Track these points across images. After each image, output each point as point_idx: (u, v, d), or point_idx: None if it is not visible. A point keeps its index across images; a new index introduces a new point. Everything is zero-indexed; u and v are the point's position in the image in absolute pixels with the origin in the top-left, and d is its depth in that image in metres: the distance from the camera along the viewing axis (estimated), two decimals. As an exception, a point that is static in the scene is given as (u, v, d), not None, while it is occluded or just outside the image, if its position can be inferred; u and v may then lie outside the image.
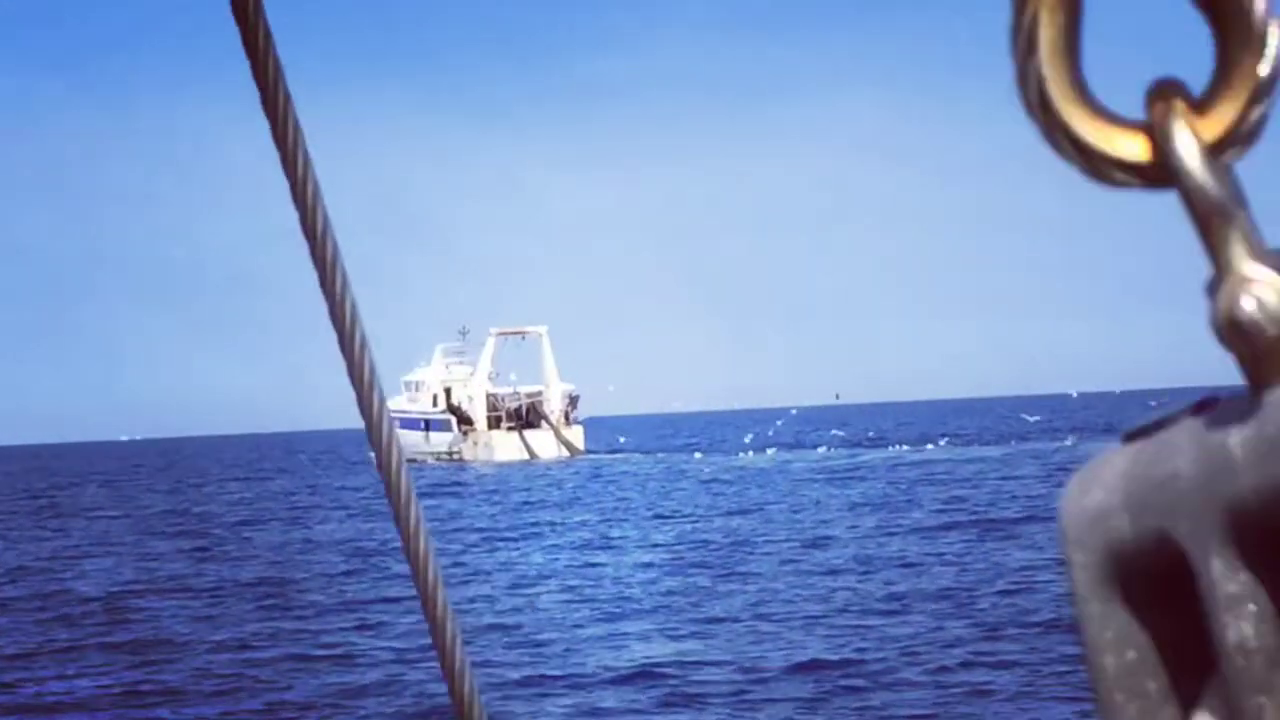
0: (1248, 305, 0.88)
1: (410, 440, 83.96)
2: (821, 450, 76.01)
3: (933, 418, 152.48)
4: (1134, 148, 0.92)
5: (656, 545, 33.10)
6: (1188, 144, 0.90)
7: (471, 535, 37.16)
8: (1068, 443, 70.17)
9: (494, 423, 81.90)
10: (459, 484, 61.33)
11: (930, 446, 75.81)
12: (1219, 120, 0.90)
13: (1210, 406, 0.91)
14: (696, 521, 38.54)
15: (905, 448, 75.08)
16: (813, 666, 18.10)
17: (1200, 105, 0.91)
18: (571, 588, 26.25)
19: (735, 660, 18.70)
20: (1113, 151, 0.91)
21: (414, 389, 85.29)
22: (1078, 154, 0.92)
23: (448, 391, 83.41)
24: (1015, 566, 25.84)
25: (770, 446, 79.37)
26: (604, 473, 64.48)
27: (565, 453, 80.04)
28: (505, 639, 20.94)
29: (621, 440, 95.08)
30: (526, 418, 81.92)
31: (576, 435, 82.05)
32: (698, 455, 78.60)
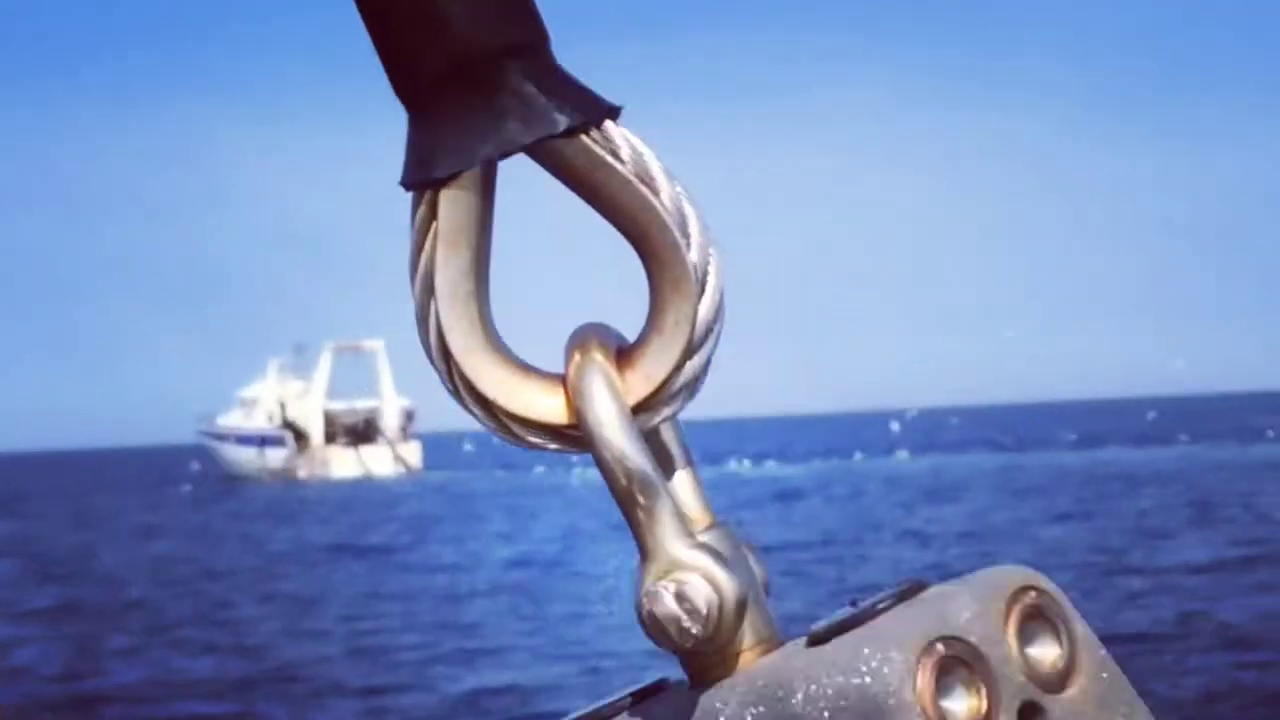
0: (668, 600, 0.78)
1: (244, 457, 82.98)
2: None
3: (763, 435, 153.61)
4: (548, 406, 0.80)
5: (505, 565, 32.94)
6: (606, 405, 0.78)
7: (319, 554, 36.74)
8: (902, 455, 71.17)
9: (330, 438, 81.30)
10: (297, 502, 60.63)
11: (770, 463, 76.27)
12: (649, 375, 0.79)
13: (652, 695, 0.84)
14: (544, 544, 38.41)
15: (747, 463, 75.46)
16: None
17: (629, 357, 0.79)
18: (417, 610, 26.04)
19: (588, 688, 18.66)
20: (522, 410, 0.80)
21: (248, 405, 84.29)
22: (483, 410, 0.81)
23: (282, 407, 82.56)
24: (858, 585, 26.09)
25: (583, 463, 79.21)
26: (445, 490, 64.10)
27: (402, 469, 79.64)
28: (356, 664, 20.72)
29: (468, 449, 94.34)
30: (363, 433, 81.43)
31: (413, 451, 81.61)
32: (539, 469, 78.42)
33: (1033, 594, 0.83)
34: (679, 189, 0.79)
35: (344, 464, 79.99)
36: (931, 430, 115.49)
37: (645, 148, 0.79)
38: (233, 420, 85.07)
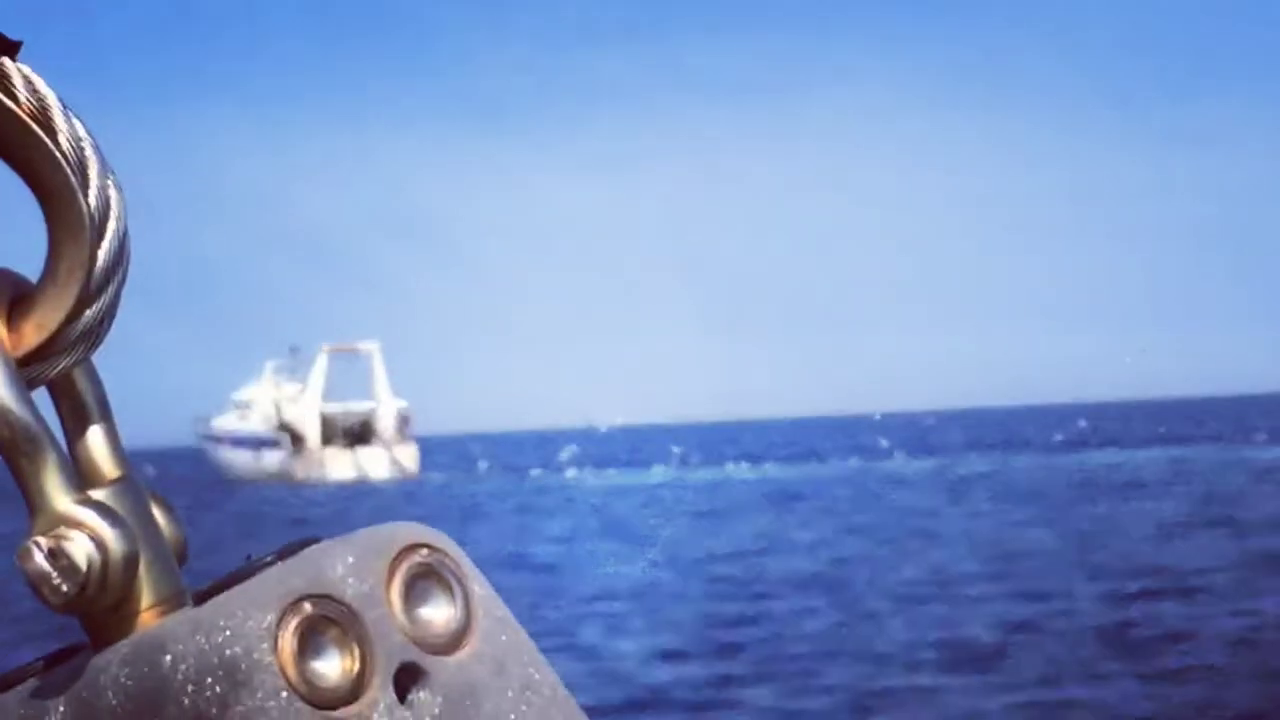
0: (39, 558, 0.75)
1: (241, 459, 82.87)
2: (659, 468, 76.05)
3: (761, 437, 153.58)
4: None
5: (503, 566, 32.88)
6: None
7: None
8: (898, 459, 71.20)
9: (326, 441, 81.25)
10: (294, 505, 60.50)
11: (768, 464, 76.19)
12: (41, 324, 0.76)
13: (64, 660, 0.80)
14: (542, 545, 38.38)
15: (745, 466, 75.40)
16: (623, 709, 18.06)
17: (24, 305, 0.77)
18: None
19: (589, 689, 18.59)
20: None
21: (244, 407, 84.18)
22: None
23: (278, 409, 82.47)
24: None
25: (578, 465, 79.43)
26: (442, 493, 64.08)
27: (398, 471, 79.60)
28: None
29: (479, 455, 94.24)
30: (359, 436, 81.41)
31: (409, 453, 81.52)
32: (536, 472, 78.42)
33: (423, 551, 0.82)
34: (80, 131, 0.76)
35: (340, 466, 79.91)
36: (929, 432, 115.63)
37: (46, 88, 0.77)
38: (228, 423, 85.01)
